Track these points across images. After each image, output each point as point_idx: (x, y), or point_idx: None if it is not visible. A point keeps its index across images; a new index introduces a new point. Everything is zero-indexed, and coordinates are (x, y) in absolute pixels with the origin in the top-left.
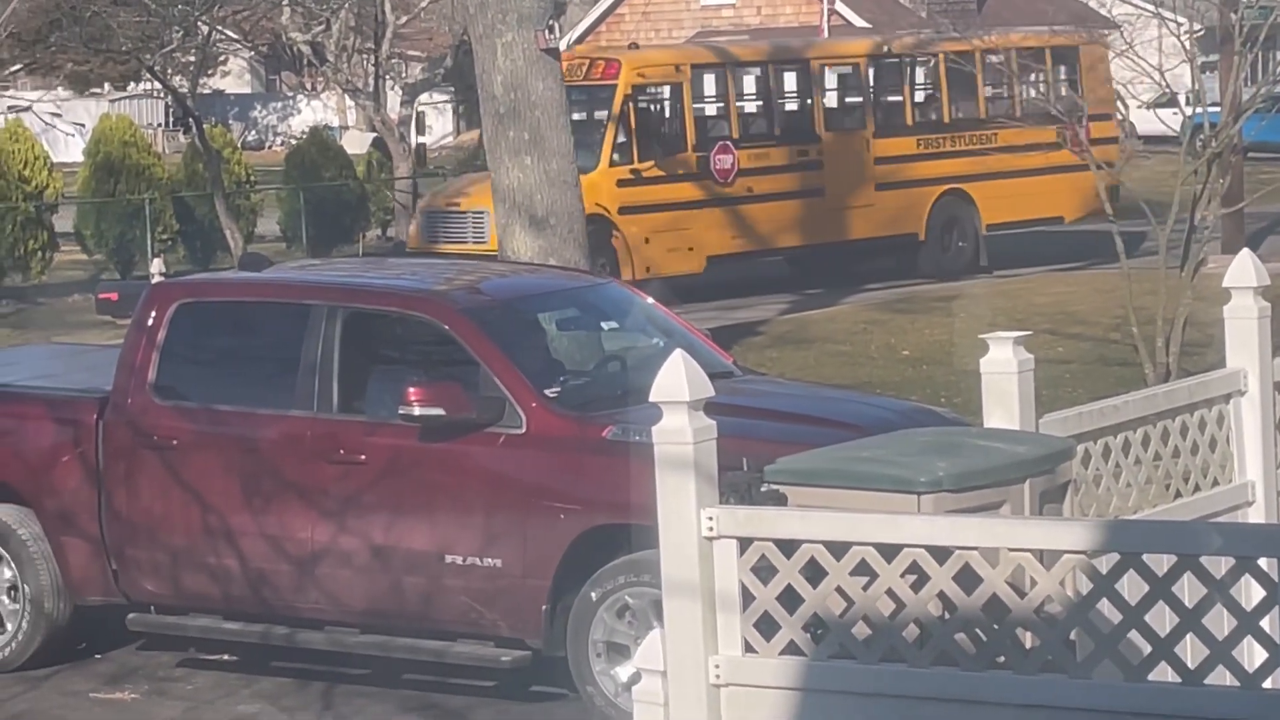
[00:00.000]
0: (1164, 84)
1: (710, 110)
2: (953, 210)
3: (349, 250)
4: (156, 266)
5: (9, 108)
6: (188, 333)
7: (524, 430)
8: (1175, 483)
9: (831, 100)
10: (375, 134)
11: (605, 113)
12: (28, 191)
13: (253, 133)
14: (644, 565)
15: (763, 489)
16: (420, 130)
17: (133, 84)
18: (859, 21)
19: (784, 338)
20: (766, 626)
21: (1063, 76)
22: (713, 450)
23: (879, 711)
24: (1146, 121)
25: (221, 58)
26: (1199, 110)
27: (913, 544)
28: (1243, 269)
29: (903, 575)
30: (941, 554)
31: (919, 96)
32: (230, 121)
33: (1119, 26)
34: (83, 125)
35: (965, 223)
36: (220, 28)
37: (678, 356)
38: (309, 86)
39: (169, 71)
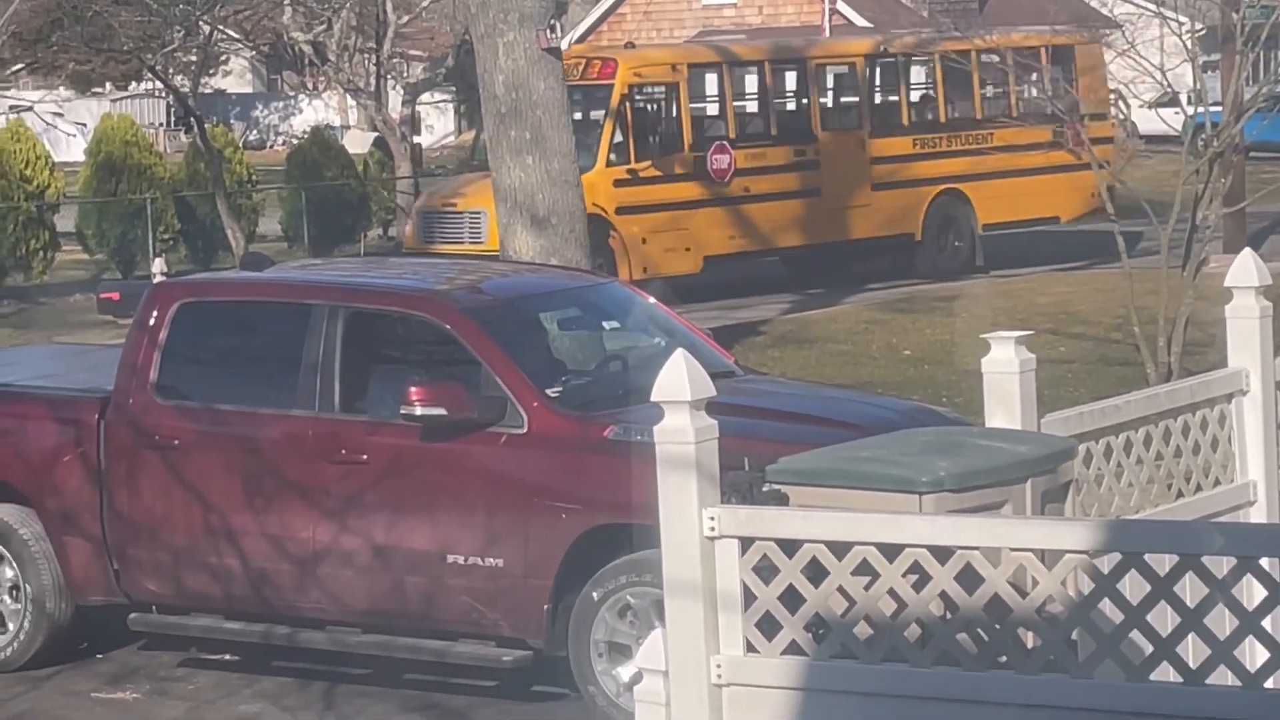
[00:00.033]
0: (1165, 83)
1: (707, 110)
2: (949, 210)
3: (351, 250)
4: (158, 266)
5: (11, 107)
6: (189, 332)
7: (525, 430)
8: (1177, 482)
9: (828, 100)
10: (377, 134)
11: (602, 112)
12: (29, 191)
13: (254, 132)
14: (646, 565)
15: (764, 489)
16: (416, 130)
17: (134, 84)
18: (861, 21)
19: (785, 337)
20: (768, 626)
21: (1061, 77)
22: (714, 450)
23: (881, 711)
24: (1148, 121)
25: (223, 57)
26: (1200, 110)
27: (914, 544)
28: (1244, 269)
29: (904, 575)
30: (943, 554)
31: (915, 96)
32: (232, 121)
33: (1121, 26)
34: (84, 125)
35: (961, 223)
36: (222, 27)
37: (679, 356)
38: (310, 86)
39: (170, 71)
